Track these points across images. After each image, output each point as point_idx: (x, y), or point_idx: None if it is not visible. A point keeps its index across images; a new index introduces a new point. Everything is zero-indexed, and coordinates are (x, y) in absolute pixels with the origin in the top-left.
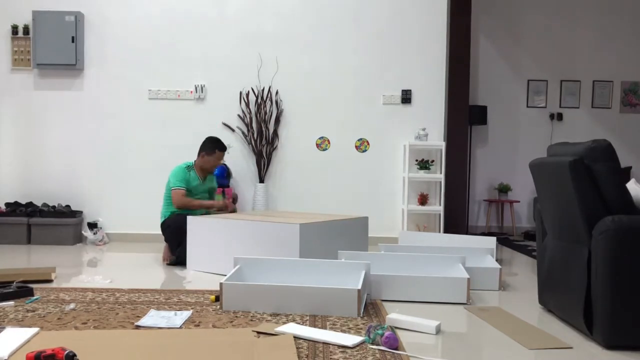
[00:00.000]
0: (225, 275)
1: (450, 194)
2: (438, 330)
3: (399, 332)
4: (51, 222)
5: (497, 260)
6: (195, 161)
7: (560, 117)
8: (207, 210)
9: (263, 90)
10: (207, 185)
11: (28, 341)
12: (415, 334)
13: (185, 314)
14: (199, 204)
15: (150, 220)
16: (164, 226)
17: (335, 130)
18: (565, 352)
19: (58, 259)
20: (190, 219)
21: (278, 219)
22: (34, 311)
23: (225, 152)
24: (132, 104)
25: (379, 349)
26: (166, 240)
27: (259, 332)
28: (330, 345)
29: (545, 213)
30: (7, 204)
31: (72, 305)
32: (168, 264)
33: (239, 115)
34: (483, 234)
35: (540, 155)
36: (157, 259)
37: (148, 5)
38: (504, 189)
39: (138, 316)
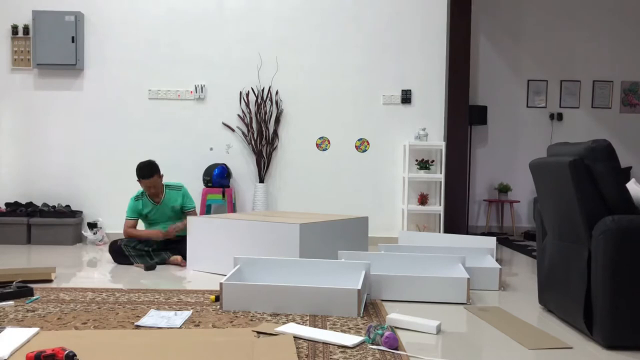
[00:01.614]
0: (225, 275)
1: (450, 194)
2: (438, 330)
3: (399, 332)
4: (51, 222)
5: (497, 260)
6: None
7: (560, 117)
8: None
9: (263, 90)
10: (168, 206)
11: (28, 341)
12: (415, 334)
13: (185, 314)
14: (141, 234)
15: None
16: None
17: (335, 130)
18: (565, 352)
19: (58, 259)
20: (190, 219)
21: (278, 219)
22: (34, 311)
23: (149, 178)
24: (132, 104)
25: (379, 349)
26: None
27: (259, 332)
28: (330, 345)
29: (545, 213)
30: (7, 204)
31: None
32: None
33: (239, 115)
34: (483, 234)
35: (540, 155)
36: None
37: (148, 5)
38: (504, 189)
39: (138, 316)
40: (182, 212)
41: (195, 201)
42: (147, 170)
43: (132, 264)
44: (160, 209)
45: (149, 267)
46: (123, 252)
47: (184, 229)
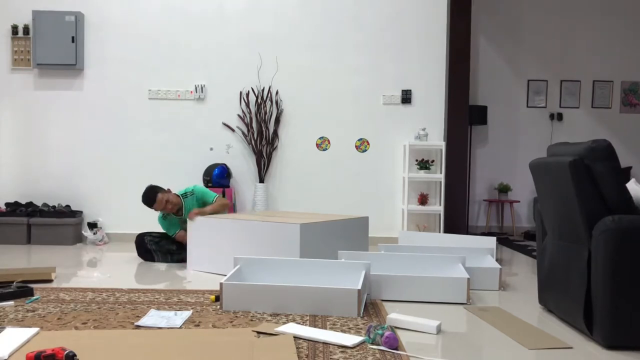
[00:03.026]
0: (225, 275)
1: (450, 194)
2: (439, 330)
3: (399, 332)
4: (51, 222)
5: (497, 260)
6: None
7: (560, 117)
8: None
9: (263, 90)
10: (189, 209)
11: (28, 341)
12: (415, 333)
13: (185, 314)
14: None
15: (150, 220)
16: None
17: (335, 130)
18: (565, 352)
19: (58, 259)
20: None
21: (278, 219)
22: (34, 311)
23: (152, 205)
24: (132, 104)
25: (379, 349)
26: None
27: (259, 332)
28: (330, 345)
29: (545, 213)
30: (7, 204)
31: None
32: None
33: (239, 115)
34: (483, 234)
35: (540, 155)
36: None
37: (148, 5)
38: (504, 189)
39: (138, 316)
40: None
41: None
42: (146, 199)
43: (153, 259)
44: (184, 218)
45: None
46: (146, 245)
47: (215, 211)
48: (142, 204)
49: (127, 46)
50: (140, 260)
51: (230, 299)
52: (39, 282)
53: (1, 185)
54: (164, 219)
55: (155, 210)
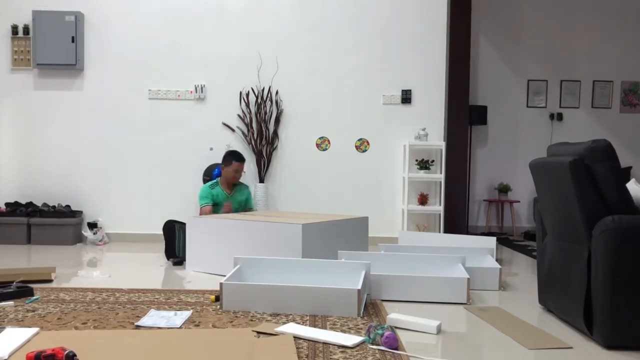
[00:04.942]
0: (225, 275)
1: (450, 194)
2: (439, 330)
3: (399, 332)
4: (51, 222)
5: (497, 260)
6: (220, 177)
7: (560, 117)
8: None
9: (263, 90)
10: (236, 199)
11: (28, 341)
12: (415, 333)
13: (185, 314)
14: None
15: (150, 220)
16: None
17: (335, 130)
18: (565, 352)
19: (58, 259)
20: (190, 218)
21: (279, 219)
22: (34, 311)
23: (244, 163)
24: (132, 104)
25: (379, 349)
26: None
27: (259, 332)
28: (330, 345)
29: (545, 213)
30: (7, 204)
31: None
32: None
33: (239, 115)
34: (483, 234)
35: (540, 155)
36: (157, 259)
37: (148, 5)
38: (504, 189)
39: (138, 316)
40: (244, 209)
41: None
42: (240, 156)
43: (174, 239)
44: (229, 198)
45: (177, 262)
46: (174, 229)
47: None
48: (233, 154)
49: (127, 46)
50: (140, 260)
51: (230, 299)
52: (39, 282)
53: (1, 185)
54: (211, 188)
55: (235, 167)
